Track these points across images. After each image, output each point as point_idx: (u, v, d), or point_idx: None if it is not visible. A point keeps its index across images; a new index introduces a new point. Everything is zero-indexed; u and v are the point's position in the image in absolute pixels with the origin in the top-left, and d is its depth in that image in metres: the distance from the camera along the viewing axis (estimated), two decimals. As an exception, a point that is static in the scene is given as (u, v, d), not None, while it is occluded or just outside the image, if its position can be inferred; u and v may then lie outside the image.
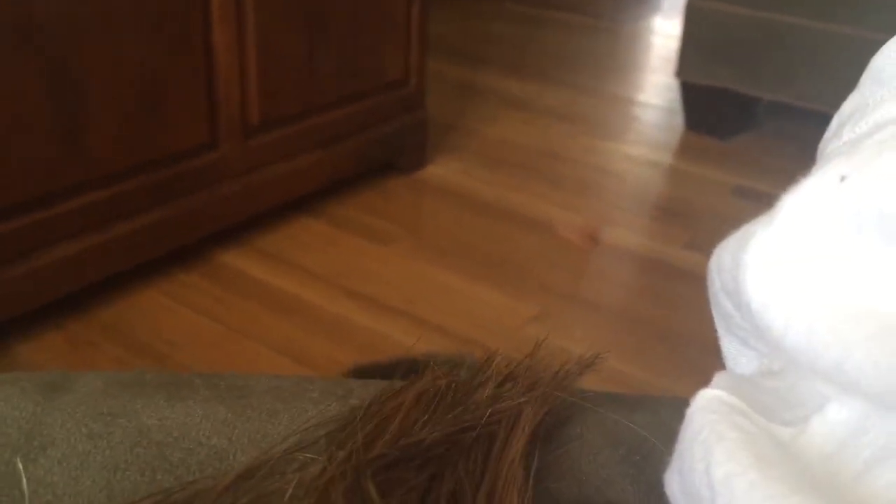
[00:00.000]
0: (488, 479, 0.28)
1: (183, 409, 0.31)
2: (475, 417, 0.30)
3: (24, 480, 0.28)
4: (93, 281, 1.25)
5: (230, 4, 1.30)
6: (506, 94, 2.25)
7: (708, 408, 0.24)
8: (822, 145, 0.32)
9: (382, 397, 0.30)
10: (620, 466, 0.30)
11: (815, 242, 0.24)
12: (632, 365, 1.23)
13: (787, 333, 0.23)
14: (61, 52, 1.12)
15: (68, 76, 1.14)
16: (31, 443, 0.29)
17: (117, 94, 1.20)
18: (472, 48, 2.61)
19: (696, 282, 1.47)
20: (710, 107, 2.02)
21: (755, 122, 2.09)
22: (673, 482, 0.24)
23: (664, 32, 2.90)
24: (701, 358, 1.22)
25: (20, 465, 0.28)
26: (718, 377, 0.26)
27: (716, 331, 0.31)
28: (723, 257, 0.27)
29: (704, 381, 0.26)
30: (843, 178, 0.23)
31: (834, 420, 0.23)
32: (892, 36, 0.31)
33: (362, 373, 1.11)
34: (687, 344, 1.28)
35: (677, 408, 0.26)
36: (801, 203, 0.24)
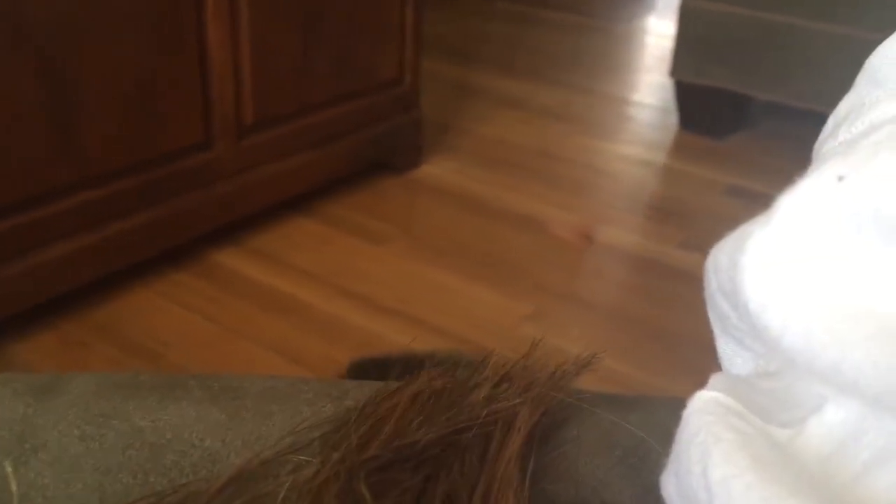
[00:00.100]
0: (484, 480, 0.28)
1: (176, 411, 0.31)
2: (471, 418, 0.29)
3: (14, 483, 0.28)
4: (87, 280, 1.25)
5: (224, 3, 1.29)
6: (500, 93, 2.25)
7: (704, 409, 0.24)
8: (817, 145, 0.32)
9: (377, 398, 0.30)
10: (617, 468, 0.30)
11: (812, 243, 0.24)
12: (627, 364, 1.23)
13: (784, 334, 0.23)
14: (54, 52, 1.11)
15: (61, 75, 1.13)
16: (23, 445, 0.29)
17: (111, 93, 1.20)
18: (467, 47, 2.61)
19: (690, 281, 1.48)
20: (704, 106, 2.02)
21: (749, 122, 2.10)
22: (669, 484, 0.24)
23: (658, 32, 2.90)
24: (696, 357, 1.22)
25: (9, 468, 0.28)
26: (714, 378, 0.26)
27: (711, 330, 0.31)
28: (719, 258, 0.27)
29: (700, 380, 0.26)
30: (840, 179, 0.23)
31: (831, 421, 0.23)
32: (887, 36, 0.31)
33: (360, 367, 1.11)
34: (681, 343, 1.28)
35: (674, 408, 0.26)
36: (798, 203, 0.24)
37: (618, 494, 0.30)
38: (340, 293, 1.36)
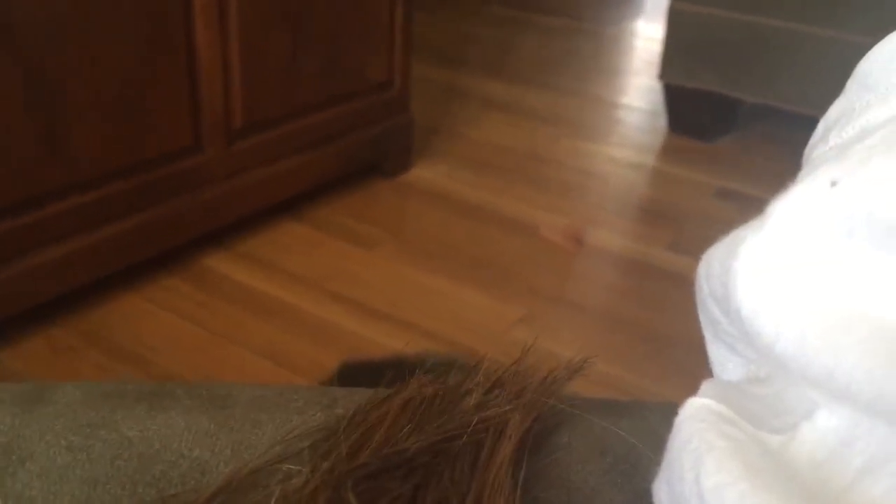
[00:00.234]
0: (475, 488, 0.28)
1: (164, 421, 0.30)
2: (462, 425, 0.29)
3: None
4: (75, 285, 1.24)
5: (213, 6, 1.29)
6: (490, 96, 2.25)
7: (696, 416, 0.24)
8: (808, 150, 0.31)
9: (367, 406, 0.30)
10: (609, 475, 0.30)
11: (805, 248, 0.24)
12: (618, 366, 1.23)
13: (777, 340, 0.23)
14: (40, 55, 1.11)
15: (49, 79, 1.12)
16: (10, 456, 0.29)
17: (99, 97, 1.19)
18: (457, 51, 2.61)
19: (680, 283, 1.48)
20: (692, 109, 2.03)
21: (738, 125, 2.10)
22: (661, 492, 0.24)
23: (647, 35, 2.91)
24: (686, 359, 1.23)
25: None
26: (706, 385, 0.26)
27: (702, 332, 0.31)
28: (711, 263, 0.27)
29: (691, 382, 0.26)
30: (833, 184, 0.23)
31: (824, 427, 0.23)
32: (873, 39, 0.31)
33: (350, 371, 1.11)
34: (672, 345, 1.28)
35: (665, 414, 0.26)
36: (791, 208, 0.24)
37: (609, 501, 0.30)
38: (330, 297, 1.36)
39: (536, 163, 1.90)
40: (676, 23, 1.94)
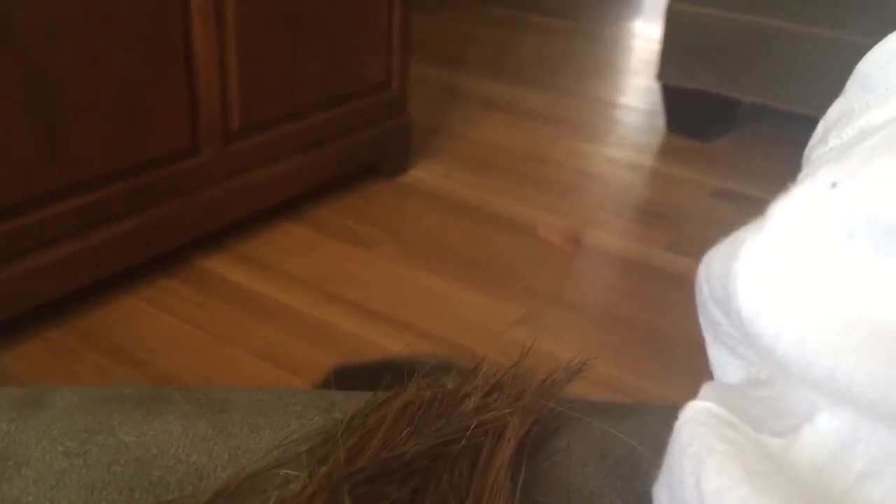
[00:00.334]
0: (474, 491, 0.27)
1: (162, 425, 0.30)
2: (460, 429, 0.29)
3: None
4: (74, 287, 1.24)
5: (210, 7, 1.29)
6: (488, 97, 2.25)
7: (696, 420, 0.24)
8: (807, 151, 0.31)
9: (365, 410, 0.30)
10: (608, 479, 0.30)
11: (805, 250, 0.23)
12: (617, 367, 1.23)
13: (778, 342, 0.23)
14: (39, 56, 1.11)
15: (46, 80, 1.12)
16: (6, 462, 0.29)
17: (97, 98, 1.19)
18: (455, 51, 2.61)
19: (679, 283, 1.48)
20: (691, 109, 2.03)
21: (736, 125, 2.10)
22: (661, 496, 0.24)
23: (645, 35, 2.91)
24: (686, 360, 1.22)
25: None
26: (706, 388, 0.25)
27: (701, 333, 0.31)
28: (712, 265, 0.26)
29: (690, 383, 0.26)
30: (833, 185, 0.23)
31: (824, 430, 0.22)
32: (872, 39, 0.31)
33: (344, 374, 1.10)
34: (671, 345, 1.28)
35: (665, 416, 0.25)
36: (791, 210, 0.24)
37: (610, 505, 0.29)
38: (329, 298, 1.36)
39: (535, 163, 1.90)
40: (675, 23, 1.94)
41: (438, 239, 1.57)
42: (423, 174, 1.79)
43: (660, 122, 2.12)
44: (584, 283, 1.50)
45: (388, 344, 1.25)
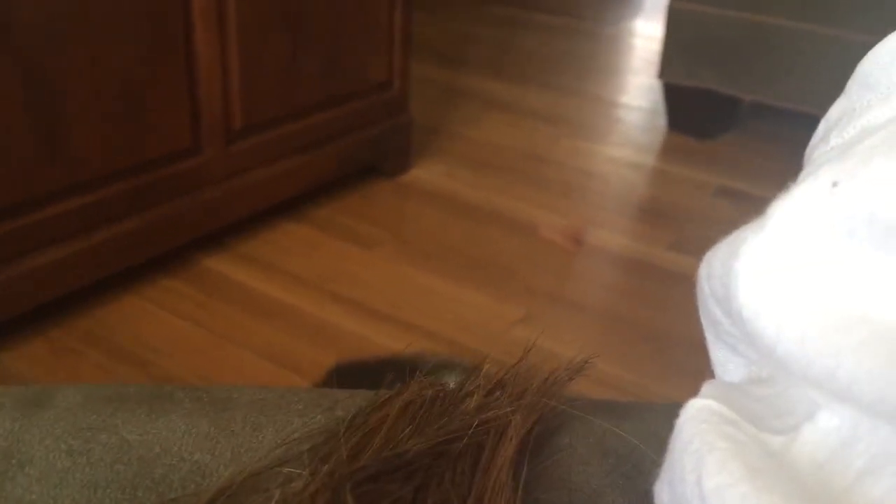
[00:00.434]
0: (476, 490, 0.27)
1: (165, 424, 0.30)
2: (462, 427, 0.29)
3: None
4: (75, 287, 1.24)
5: (212, 7, 1.29)
6: (489, 96, 2.25)
7: (697, 417, 0.24)
8: (809, 150, 0.31)
9: (368, 409, 0.30)
10: (610, 477, 0.30)
11: (806, 249, 0.24)
12: (618, 366, 1.23)
13: (779, 341, 0.23)
14: (39, 56, 1.11)
15: (47, 80, 1.12)
16: (10, 460, 0.29)
17: (98, 98, 1.19)
18: (456, 51, 2.61)
19: (680, 282, 1.48)
20: (692, 108, 2.03)
21: (737, 123, 2.10)
22: (663, 493, 0.24)
23: (646, 34, 2.90)
24: (687, 358, 1.22)
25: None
26: (707, 386, 0.25)
27: (703, 333, 0.31)
28: (713, 264, 0.27)
29: (692, 382, 0.26)
30: (834, 184, 0.23)
31: (825, 428, 0.22)
32: (874, 37, 0.31)
33: (346, 371, 1.11)
34: (673, 344, 1.28)
35: (667, 415, 0.25)
36: (792, 209, 0.24)
37: (612, 503, 0.30)
38: (330, 298, 1.36)
39: (536, 162, 1.90)
40: (676, 21, 1.94)
41: (439, 238, 1.57)
42: (423, 174, 1.79)
43: (661, 120, 2.12)
44: (585, 282, 1.51)
45: (390, 343, 1.25)
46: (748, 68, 1.89)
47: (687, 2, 1.90)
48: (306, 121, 1.52)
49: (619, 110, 2.28)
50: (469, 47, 2.67)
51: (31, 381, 1.15)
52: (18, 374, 1.16)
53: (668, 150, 2.02)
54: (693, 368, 1.19)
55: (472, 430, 0.29)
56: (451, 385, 0.32)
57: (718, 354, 0.30)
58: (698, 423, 0.23)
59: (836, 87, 0.32)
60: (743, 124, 2.11)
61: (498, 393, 0.31)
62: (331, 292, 1.37)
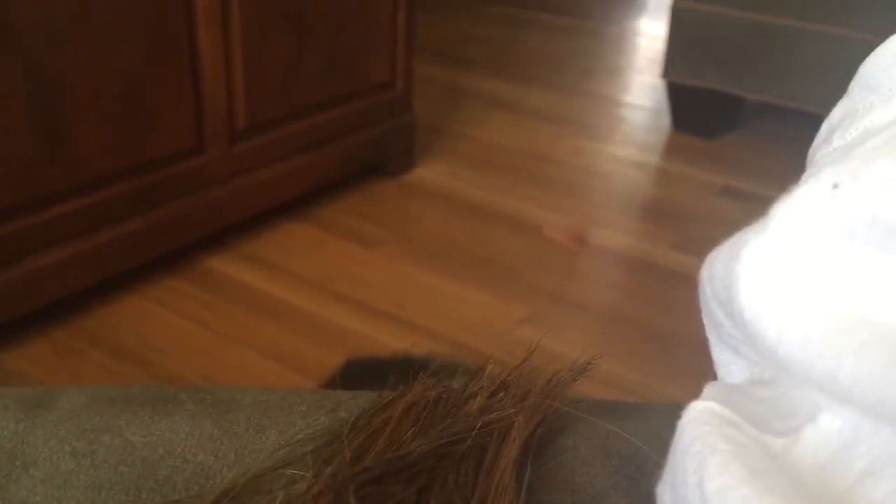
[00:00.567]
0: (479, 491, 0.28)
1: (168, 425, 0.30)
2: (466, 429, 0.29)
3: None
4: (79, 287, 1.24)
5: (215, 7, 1.29)
6: (492, 96, 2.25)
7: (699, 419, 0.24)
8: (811, 151, 0.31)
9: (371, 410, 0.30)
10: (613, 478, 0.30)
11: (808, 251, 0.24)
12: (621, 366, 1.23)
13: (780, 343, 0.23)
14: (42, 56, 1.11)
15: (50, 80, 1.13)
16: (14, 462, 0.29)
17: (101, 98, 1.19)
18: (459, 50, 2.61)
19: (684, 282, 1.48)
20: (696, 107, 2.03)
21: (741, 123, 2.10)
22: (665, 495, 0.24)
23: (649, 34, 2.90)
24: (690, 358, 1.22)
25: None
26: (709, 388, 0.26)
27: (706, 334, 0.31)
28: (714, 266, 0.27)
29: (694, 382, 0.26)
30: (836, 186, 0.23)
31: (827, 430, 0.23)
32: (877, 37, 0.31)
33: (355, 367, 1.11)
34: (676, 344, 1.28)
35: (670, 416, 0.26)
36: (793, 211, 0.24)
37: (614, 504, 0.30)
38: (334, 298, 1.36)
39: (539, 162, 1.90)
40: (680, 21, 1.94)
41: (443, 238, 1.57)
42: (427, 173, 1.79)
43: (665, 120, 2.11)
44: (588, 282, 1.50)
45: (394, 343, 1.26)
46: (752, 68, 1.89)
47: (691, 1, 1.90)
48: (309, 120, 1.52)
49: (623, 110, 2.28)
50: (472, 47, 2.67)
51: (34, 381, 1.15)
52: (21, 375, 1.16)
53: (671, 150, 2.02)
54: (696, 369, 1.19)
55: (475, 432, 0.29)
56: (455, 386, 0.32)
57: (721, 356, 0.30)
58: (700, 425, 0.23)
59: (840, 86, 0.32)
60: (747, 124, 2.11)
61: (501, 394, 0.31)
62: (334, 292, 1.37)
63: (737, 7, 1.85)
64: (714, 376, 0.31)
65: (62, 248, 1.19)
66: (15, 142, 1.11)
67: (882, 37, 0.30)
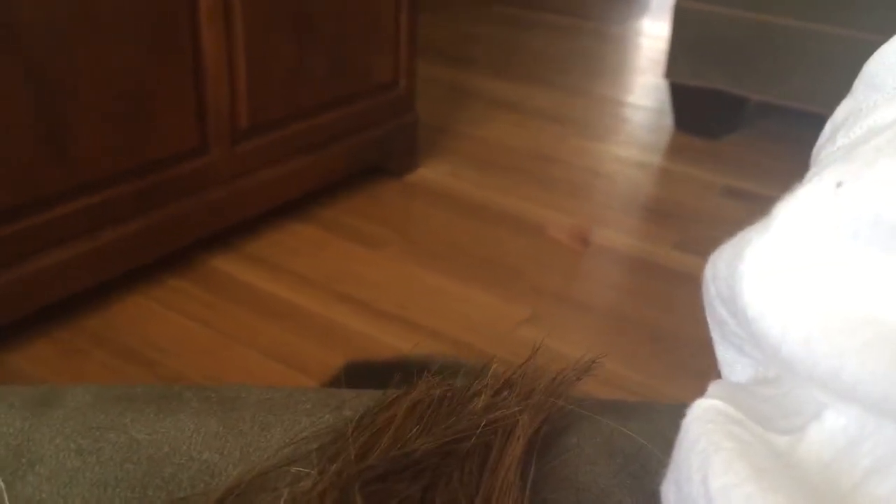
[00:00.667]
0: (484, 489, 0.28)
1: (173, 423, 0.30)
2: (470, 427, 0.29)
3: (6, 500, 0.27)
4: (82, 288, 1.24)
5: (218, 7, 1.29)
6: (495, 96, 2.25)
7: (704, 418, 0.24)
8: (815, 150, 0.31)
9: (376, 408, 0.30)
10: (618, 477, 0.30)
11: (811, 250, 0.24)
12: (624, 366, 1.23)
13: (784, 341, 0.23)
14: (44, 56, 1.11)
15: (52, 80, 1.13)
16: (20, 460, 0.29)
17: (104, 99, 1.19)
18: (462, 51, 2.61)
19: (687, 282, 1.48)
20: (698, 107, 2.02)
21: (744, 123, 2.10)
22: (669, 493, 0.24)
23: (652, 34, 2.90)
24: (693, 358, 1.22)
25: (1, 484, 0.28)
26: (713, 386, 0.26)
27: (709, 334, 0.31)
28: (718, 265, 0.27)
29: (698, 382, 0.26)
30: (839, 185, 0.23)
31: (831, 428, 0.23)
32: (881, 36, 0.31)
33: (355, 370, 1.11)
34: (679, 344, 1.28)
35: (674, 414, 0.26)
36: (796, 210, 0.24)
37: (619, 503, 0.30)
38: (337, 298, 1.36)
39: (542, 162, 1.90)
40: (682, 21, 1.94)
41: (446, 238, 1.57)
42: (430, 174, 1.79)
43: (667, 120, 2.11)
44: (591, 281, 1.50)
45: (397, 343, 1.26)
46: (755, 68, 1.89)
47: (693, 1, 1.90)
48: (313, 121, 1.53)
49: (626, 110, 2.28)
50: (475, 47, 2.67)
51: (38, 381, 1.16)
52: (25, 376, 1.17)
53: (674, 150, 2.02)
54: (699, 368, 1.19)
55: (479, 430, 0.29)
56: (459, 385, 0.32)
57: (725, 355, 0.30)
58: (704, 423, 0.23)
59: (843, 86, 0.32)
60: (749, 124, 2.11)
61: (505, 393, 0.32)
62: (337, 292, 1.37)
63: (739, 7, 1.85)
64: (718, 375, 0.31)
65: (64, 249, 1.19)
66: (16, 142, 1.11)
67: (885, 36, 0.30)
